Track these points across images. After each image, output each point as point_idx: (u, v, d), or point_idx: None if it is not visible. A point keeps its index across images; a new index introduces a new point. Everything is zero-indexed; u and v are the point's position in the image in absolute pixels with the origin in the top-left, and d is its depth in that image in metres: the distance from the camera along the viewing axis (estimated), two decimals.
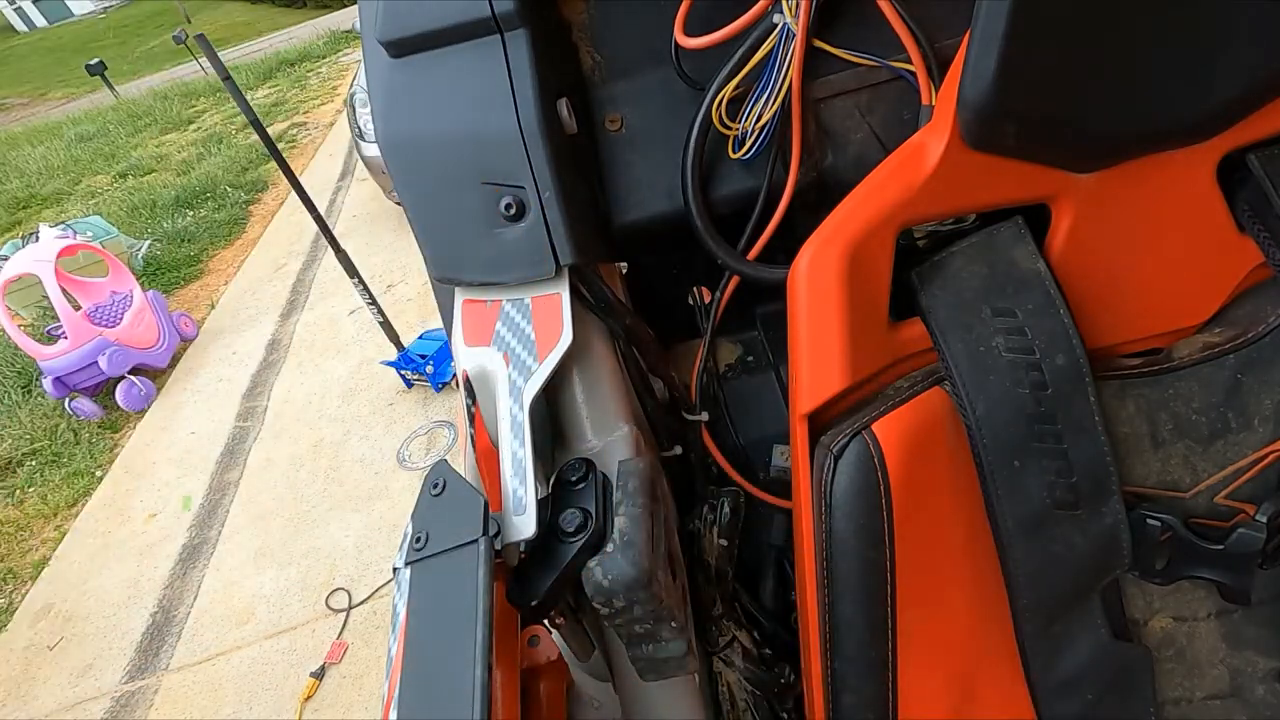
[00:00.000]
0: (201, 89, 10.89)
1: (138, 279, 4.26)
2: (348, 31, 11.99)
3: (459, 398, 0.61)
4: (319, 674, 2.25)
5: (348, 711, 2.15)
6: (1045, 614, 0.55)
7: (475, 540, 0.45)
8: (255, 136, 2.75)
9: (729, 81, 0.63)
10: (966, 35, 0.45)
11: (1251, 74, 0.45)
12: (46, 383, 3.78)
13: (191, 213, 6.23)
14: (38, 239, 4.10)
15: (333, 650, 2.31)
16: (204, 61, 9.16)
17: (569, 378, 0.60)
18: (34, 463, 3.71)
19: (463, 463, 0.60)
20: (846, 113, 0.66)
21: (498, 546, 0.47)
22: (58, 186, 8.08)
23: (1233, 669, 0.59)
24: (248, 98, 2.73)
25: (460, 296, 0.61)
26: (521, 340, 0.57)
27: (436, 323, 3.40)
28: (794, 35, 0.60)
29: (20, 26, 39.03)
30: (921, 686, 0.57)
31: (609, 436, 0.58)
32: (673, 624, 0.48)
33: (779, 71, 0.62)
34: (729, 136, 0.66)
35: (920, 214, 0.52)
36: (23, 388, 4.20)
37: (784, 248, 0.67)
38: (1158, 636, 0.59)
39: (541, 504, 0.51)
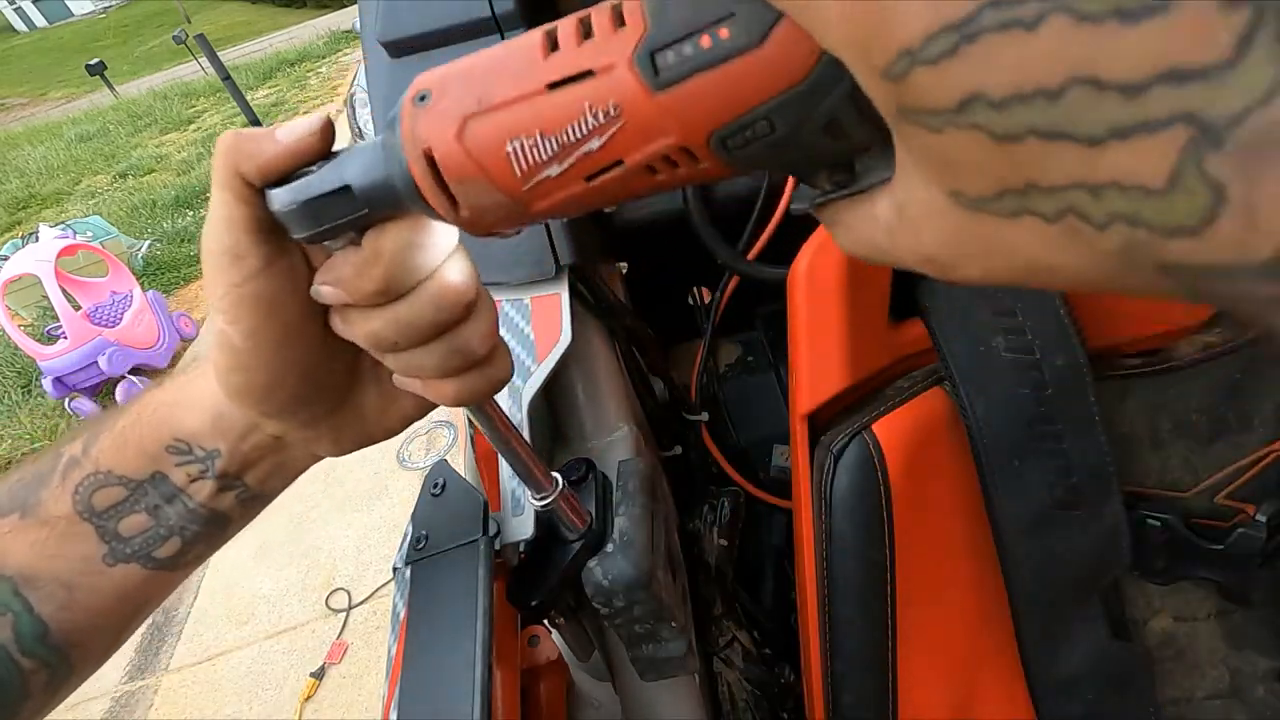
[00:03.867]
0: (201, 89, 10.89)
1: (138, 279, 4.26)
2: (348, 31, 11.99)
3: None
4: (319, 674, 2.25)
5: (348, 711, 2.15)
6: (1045, 614, 0.55)
7: (475, 540, 0.45)
8: None
9: None
10: None
11: None
12: (46, 383, 3.77)
13: (191, 213, 6.22)
14: (38, 239, 4.10)
15: (333, 650, 2.31)
16: (204, 61, 9.17)
17: (569, 378, 0.59)
18: None
19: (463, 463, 0.60)
20: None
21: (497, 546, 0.47)
22: (58, 186, 8.08)
23: (1233, 669, 0.59)
24: (248, 98, 2.73)
25: None
26: (520, 340, 0.56)
27: None
28: None
29: (20, 26, 39.04)
30: (921, 687, 0.57)
31: (609, 436, 0.58)
32: (673, 624, 0.48)
33: None
34: None
35: None
36: (23, 388, 4.20)
37: (784, 248, 0.67)
38: (1158, 636, 0.59)
39: None
